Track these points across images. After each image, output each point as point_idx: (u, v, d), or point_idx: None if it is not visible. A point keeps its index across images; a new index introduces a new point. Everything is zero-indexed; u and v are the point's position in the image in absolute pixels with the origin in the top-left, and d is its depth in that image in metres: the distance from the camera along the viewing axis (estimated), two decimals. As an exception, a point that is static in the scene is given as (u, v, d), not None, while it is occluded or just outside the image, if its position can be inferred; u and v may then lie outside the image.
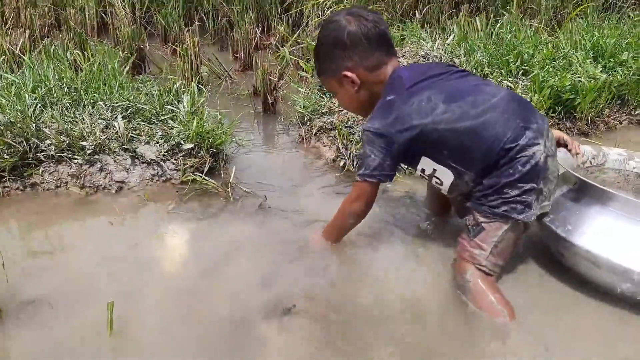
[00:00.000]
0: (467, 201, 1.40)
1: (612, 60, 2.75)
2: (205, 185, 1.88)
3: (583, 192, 1.43)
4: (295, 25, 4.15)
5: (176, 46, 3.80)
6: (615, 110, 2.64)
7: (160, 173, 1.91)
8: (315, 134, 2.32)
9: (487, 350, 1.21)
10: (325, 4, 3.71)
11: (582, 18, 3.48)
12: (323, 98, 2.49)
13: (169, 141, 1.96)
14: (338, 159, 2.12)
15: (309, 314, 1.27)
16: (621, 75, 2.60)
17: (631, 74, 2.61)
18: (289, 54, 3.02)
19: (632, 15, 3.38)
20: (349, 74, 1.40)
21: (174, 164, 1.94)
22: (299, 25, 4.12)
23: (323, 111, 2.41)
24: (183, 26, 3.91)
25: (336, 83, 1.45)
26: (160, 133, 2.01)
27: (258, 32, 3.85)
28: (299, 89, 2.61)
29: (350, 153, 2.09)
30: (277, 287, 1.37)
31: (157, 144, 1.96)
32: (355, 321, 1.26)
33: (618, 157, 1.70)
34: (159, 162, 1.91)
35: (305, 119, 2.46)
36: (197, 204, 1.79)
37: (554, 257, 1.48)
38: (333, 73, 1.44)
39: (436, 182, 1.41)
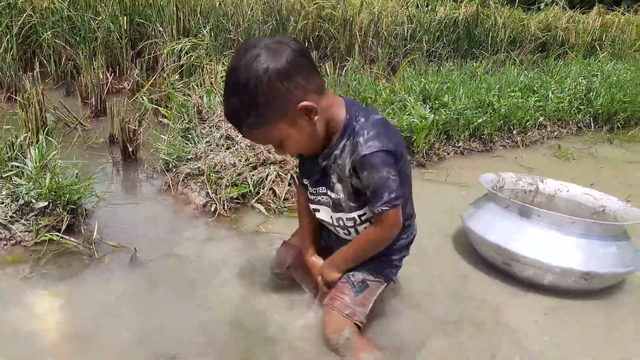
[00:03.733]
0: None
1: (437, 101, 3.27)
2: (64, 245, 1.75)
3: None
4: (150, 69, 4.09)
5: (12, 93, 3.47)
6: (443, 143, 3.13)
7: (8, 237, 1.72)
8: (183, 180, 2.31)
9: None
10: (182, 50, 3.74)
11: (411, 67, 4.07)
12: (187, 144, 2.51)
13: (17, 200, 1.79)
14: (208, 204, 2.14)
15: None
16: (445, 115, 3.10)
17: (452, 113, 3.13)
18: (147, 101, 2.97)
19: (447, 65, 4.07)
20: (307, 103, 1.14)
21: (24, 225, 1.77)
22: (153, 68, 4.06)
23: (189, 157, 2.42)
24: (20, 71, 3.59)
25: (287, 125, 1.17)
26: (5, 192, 1.82)
27: (110, 77, 3.71)
28: (161, 135, 2.58)
29: (220, 198, 2.13)
30: (156, 344, 1.33)
31: (3, 205, 1.77)
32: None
33: (511, 179, 2.11)
34: (6, 225, 1.73)
35: (170, 165, 2.44)
36: (57, 266, 1.65)
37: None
38: (283, 114, 1.14)
39: (355, 218, 1.33)
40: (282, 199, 2.22)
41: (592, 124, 3.85)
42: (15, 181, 1.88)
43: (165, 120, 2.77)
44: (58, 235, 1.77)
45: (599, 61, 5.21)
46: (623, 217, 1.86)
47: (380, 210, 1.22)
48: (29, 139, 2.24)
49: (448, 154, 3.12)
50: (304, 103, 1.14)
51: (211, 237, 1.94)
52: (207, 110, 2.70)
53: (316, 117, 1.17)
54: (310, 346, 1.36)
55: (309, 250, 1.49)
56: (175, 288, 1.60)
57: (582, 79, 4.00)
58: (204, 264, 1.74)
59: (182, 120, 2.64)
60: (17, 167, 1.93)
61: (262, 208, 2.18)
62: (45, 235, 1.76)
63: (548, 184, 2.14)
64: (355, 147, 1.20)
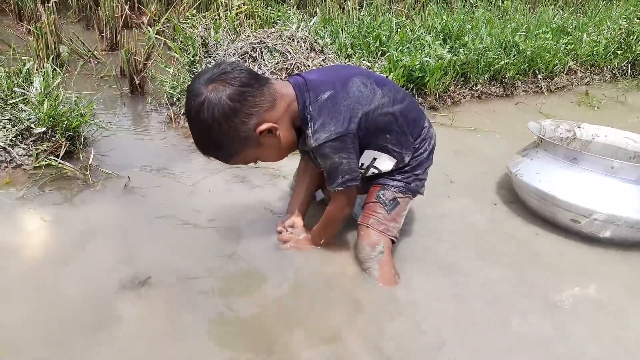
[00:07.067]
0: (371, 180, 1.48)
1: (457, 42, 3.10)
2: (61, 170, 1.82)
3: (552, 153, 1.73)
4: (170, 4, 4.02)
5: (31, 25, 3.50)
6: (459, 86, 2.99)
7: (8, 159, 1.80)
8: (184, 113, 2.32)
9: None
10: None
11: (435, 3, 3.84)
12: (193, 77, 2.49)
13: (17, 125, 1.85)
14: (205, 138, 2.15)
15: (165, 285, 1.32)
16: (463, 55, 2.94)
17: (471, 54, 2.96)
18: (157, 34, 2.95)
19: (472, 1, 3.80)
20: (263, 127, 1.22)
21: (24, 149, 1.84)
22: (172, 3, 3.99)
23: (192, 91, 2.41)
24: (39, 2, 3.60)
25: (255, 148, 1.27)
26: (7, 117, 1.88)
27: (127, 9, 3.68)
28: (167, 69, 2.58)
29: (216, 131, 2.13)
30: (135, 264, 1.39)
31: (4, 129, 1.84)
32: (212, 292, 1.34)
33: (550, 126, 2.04)
34: (5, 148, 1.80)
35: (175, 99, 2.45)
36: (52, 189, 1.72)
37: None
38: (246, 143, 1.24)
39: (373, 172, 1.44)
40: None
41: (628, 71, 3.57)
42: (21, 108, 1.93)
43: (176, 54, 2.75)
44: (56, 161, 1.83)
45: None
46: None
47: (335, 191, 1.35)
48: (37, 68, 2.28)
49: (464, 97, 2.99)
50: (261, 128, 1.23)
51: (206, 169, 1.97)
52: (214, 44, 2.66)
53: (278, 132, 1.26)
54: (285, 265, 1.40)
55: (294, 213, 1.57)
56: (163, 216, 1.64)
57: (623, 20, 3.67)
58: (196, 196, 1.78)
59: (188, 54, 2.62)
60: (24, 94, 1.98)
61: (259, 144, 2.17)
62: (44, 160, 1.82)
63: (585, 129, 2.07)
64: (306, 139, 1.31)
